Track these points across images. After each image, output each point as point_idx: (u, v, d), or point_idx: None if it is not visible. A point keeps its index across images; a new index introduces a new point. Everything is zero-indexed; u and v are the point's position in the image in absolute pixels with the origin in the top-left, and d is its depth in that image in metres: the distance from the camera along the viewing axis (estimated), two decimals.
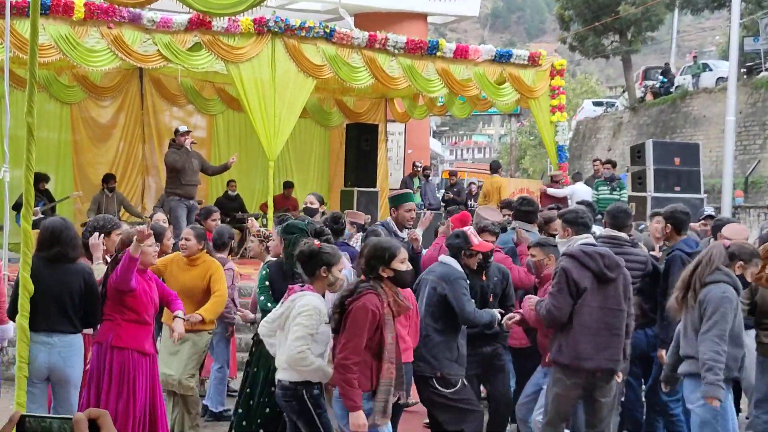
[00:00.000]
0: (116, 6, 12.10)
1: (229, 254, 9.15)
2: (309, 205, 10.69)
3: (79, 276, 6.60)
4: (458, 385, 6.94)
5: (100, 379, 6.58)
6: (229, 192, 16.97)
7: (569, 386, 6.58)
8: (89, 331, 6.92)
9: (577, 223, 7.10)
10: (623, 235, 7.58)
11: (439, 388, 6.89)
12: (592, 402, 6.68)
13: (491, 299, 7.49)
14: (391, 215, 9.03)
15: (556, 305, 6.49)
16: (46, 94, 16.65)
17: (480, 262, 7.31)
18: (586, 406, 6.80)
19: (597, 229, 8.18)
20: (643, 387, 8.02)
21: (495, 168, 18.61)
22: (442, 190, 23.85)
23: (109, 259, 6.94)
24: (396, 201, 9.05)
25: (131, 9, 12.45)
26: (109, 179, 15.69)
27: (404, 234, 8.64)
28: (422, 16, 21.88)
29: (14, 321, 6.36)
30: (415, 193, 19.71)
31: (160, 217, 10.30)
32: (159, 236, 7.55)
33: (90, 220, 7.91)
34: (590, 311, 6.45)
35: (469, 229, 7.45)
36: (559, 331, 6.57)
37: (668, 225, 7.88)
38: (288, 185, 18.01)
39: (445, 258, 7.22)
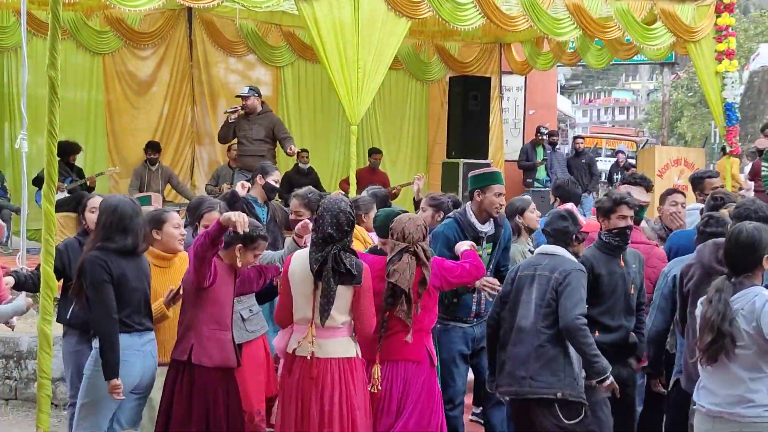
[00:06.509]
0: None
1: None
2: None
3: (148, 268, 6.73)
4: (582, 414, 6.87)
5: None
6: (300, 165, 16.81)
7: None
8: None
9: None
10: None
11: (561, 416, 6.79)
12: None
13: (632, 291, 7.41)
14: (474, 201, 8.22)
15: None
16: (73, 42, 16.88)
17: (617, 242, 7.33)
18: None
19: None
20: None
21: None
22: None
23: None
24: (481, 182, 8.20)
25: None
26: (152, 149, 15.94)
27: (487, 228, 8.15)
28: None
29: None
30: (540, 165, 19.57)
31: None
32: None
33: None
34: None
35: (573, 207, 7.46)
36: None
37: None
38: (375, 153, 18.02)
39: (551, 248, 7.11)
